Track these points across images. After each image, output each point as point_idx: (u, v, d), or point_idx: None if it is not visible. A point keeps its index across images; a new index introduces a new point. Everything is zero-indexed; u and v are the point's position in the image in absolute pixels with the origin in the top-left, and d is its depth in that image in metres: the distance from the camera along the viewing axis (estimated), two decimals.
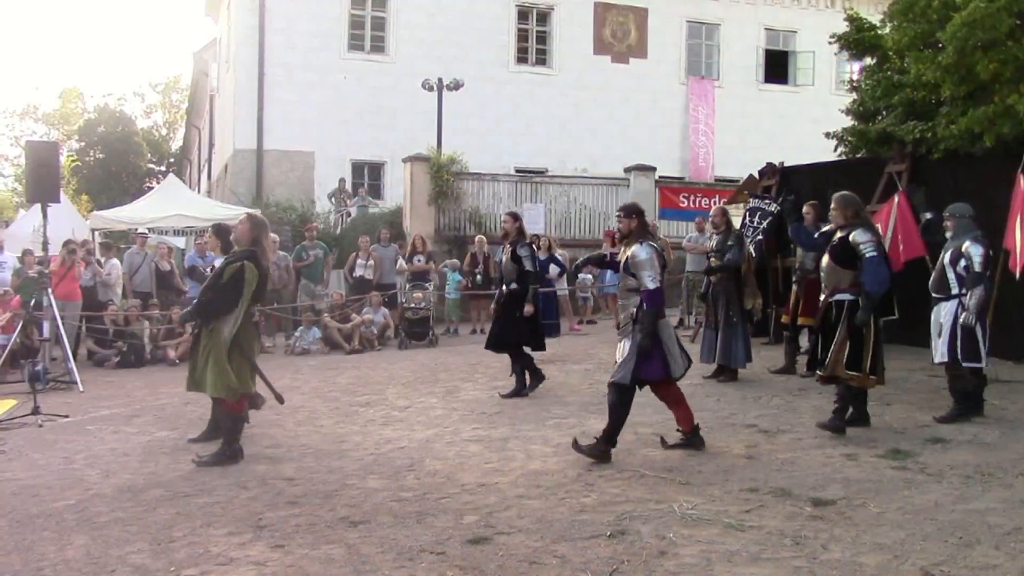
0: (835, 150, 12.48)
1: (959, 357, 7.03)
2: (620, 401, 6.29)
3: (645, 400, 8.24)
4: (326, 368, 11.65)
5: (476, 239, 16.48)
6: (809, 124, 23.99)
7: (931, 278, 7.34)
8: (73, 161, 46.94)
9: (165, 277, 14.43)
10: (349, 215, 21.10)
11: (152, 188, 34.61)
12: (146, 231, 16.25)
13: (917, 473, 5.63)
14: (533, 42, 25.60)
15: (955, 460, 5.88)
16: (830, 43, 13.30)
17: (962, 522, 4.68)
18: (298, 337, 13.76)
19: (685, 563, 4.26)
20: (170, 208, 17.67)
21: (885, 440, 6.49)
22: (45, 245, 10.94)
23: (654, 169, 19.97)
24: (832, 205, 7.00)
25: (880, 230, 9.01)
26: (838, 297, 6.76)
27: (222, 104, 27.76)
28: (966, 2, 9.02)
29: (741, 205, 12.71)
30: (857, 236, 6.68)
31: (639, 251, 6.34)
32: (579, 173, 22.15)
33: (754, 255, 11.57)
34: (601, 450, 6.20)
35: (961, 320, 6.92)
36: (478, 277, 15.85)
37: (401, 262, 15.38)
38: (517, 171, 22.16)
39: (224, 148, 26.51)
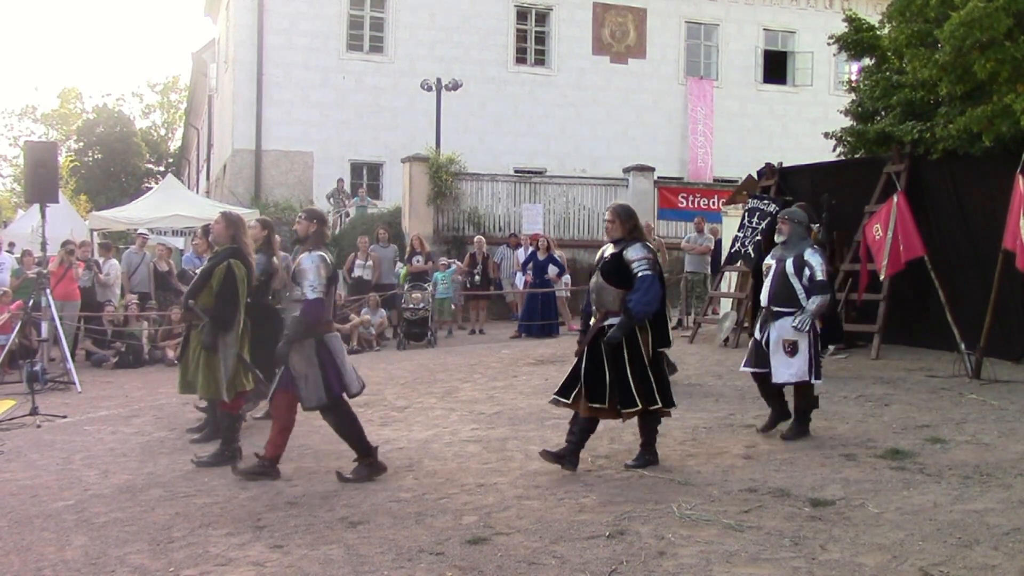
0: (834, 150, 12.49)
1: (813, 373, 6.60)
2: (339, 418, 6.05)
3: None
4: None
5: (475, 239, 16.48)
6: (808, 124, 24.08)
7: (767, 290, 6.82)
8: (72, 161, 46.92)
9: (163, 277, 14.43)
10: (348, 215, 21.11)
11: (151, 188, 34.57)
12: (145, 231, 16.25)
13: (916, 473, 5.62)
14: (532, 42, 25.60)
15: (954, 460, 5.88)
16: (829, 44, 13.30)
17: (961, 522, 4.68)
18: None
19: (684, 563, 4.25)
20: (169, 208, 17.68)
21: (884, 440, 6.48)
22: (44, 245, 10.93)
23: (653, 169, 20.00)
24: (607, 216, 6.28)
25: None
26: (611, 321, 5.93)
27: (221, 104, 27.75)
28: (964, 1, 9.02)
29: (740, 205, 12.72)
30: (630, 253, 5.99)
31: (306, 260, 5.99)
32: (578, 173, 22.15)
33: (752, 255, 11.60)
34: (367, 467, 6.00)
35: (795, 323, 6.51)
36: (477, 277, 15.86)
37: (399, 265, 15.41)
38: (516, 171, 22.18)
39: (223, 148, 26.49)
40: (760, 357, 6.80)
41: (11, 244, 15.27)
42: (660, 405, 5.94)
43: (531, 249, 15.59)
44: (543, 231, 17.39)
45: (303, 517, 5.21)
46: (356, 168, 24.05)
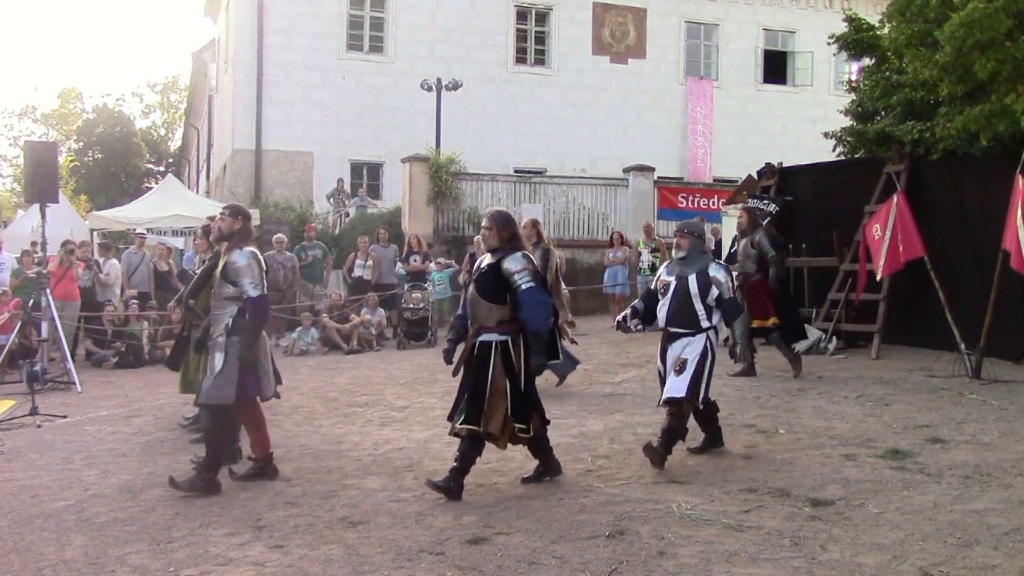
0: (834, 150, 12.49)
1: (699, 393, 6.05)
2: (220, 424, 5.84)
3: (644, 400, 8.27)
4: (324, 368, 11.64)
5: (475, 239, 16.45)
6: (808, 124, 24.05)
7: (665, 309, 6.21)
8: (72, 161, 46.94)
9: (163, 277, 14.43)
10: (348, 215, 21.10)
11: (151, 188, 34.59)
12: (145, 231, 16.26)
13: (916, 473, 5.63)
14: (532, 42, 25.59)
15: (954, 460, 5.88)
16: (829, 43, 13.31)
17: (961, 522, 4.68)
18: (295, 340, 13.75)
19: (684, 563, 4.25)
20: (169, 208, 17.69)
21: (884, 440, 6.48)
22: (44, 245, 10.94)
23: (653, 169, 19.97)
24: (484, 223, 5.82)
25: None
26: (484, 338, 5.56)
27: (221, 104, 27.74)
28: (964, 2, 9.02)
29: (740, 205, 12.73)
30: (509, 264, 5.54)
31: (239, 257, 5.86)
32: (578, 173, 22.14)
33: None
34: (205, 481, 5.77)
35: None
36: None
37: (400, 265, 15.40)
38: (516, 171, 22.15)
39: (223, 148, 26.48)
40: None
41: None
42: (521, 425, 5.53)
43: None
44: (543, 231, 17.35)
45: (303, 517, 5.22)
46: (356, 168, 24.03)
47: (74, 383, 10.52)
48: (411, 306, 14.20)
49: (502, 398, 5.49)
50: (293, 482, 6.00)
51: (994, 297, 8.60)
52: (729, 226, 13.21)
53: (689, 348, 6.07)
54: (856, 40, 12.49)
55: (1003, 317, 8.92)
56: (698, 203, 19.49)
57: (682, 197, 19.77)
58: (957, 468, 5.69)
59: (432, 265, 15.47)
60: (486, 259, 5.73)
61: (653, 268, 15.78)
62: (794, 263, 11.63)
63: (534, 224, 9.12)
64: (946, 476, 5.54)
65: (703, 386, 6.07)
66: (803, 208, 11.98)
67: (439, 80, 21.48)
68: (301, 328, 13.86)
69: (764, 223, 10.22)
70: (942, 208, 10.27)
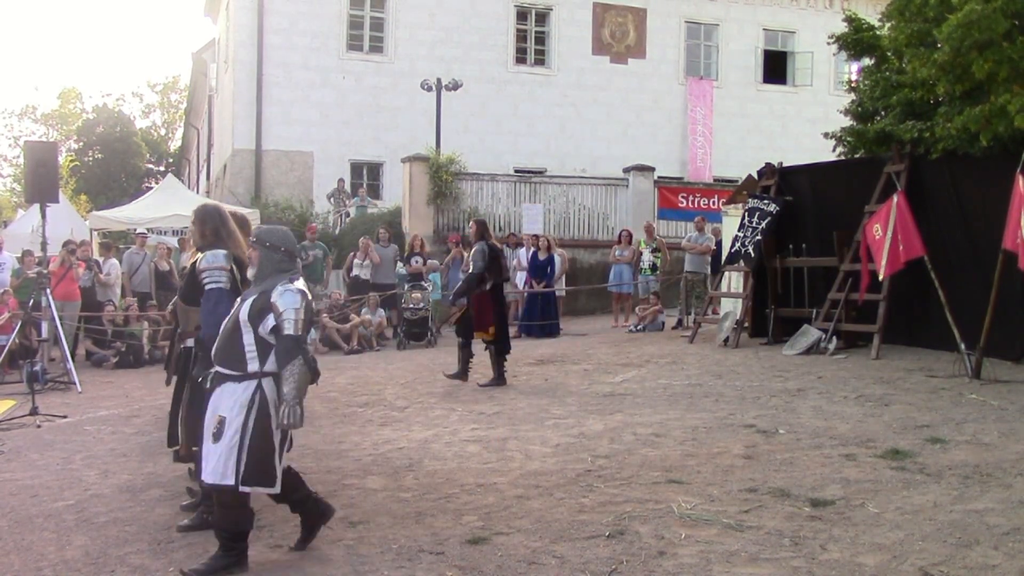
0: (834, 150, 12.48)
1: (239, 476, 4.28)
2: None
3: (643, 400, 8.28)
4: (325, 368, 11.51)
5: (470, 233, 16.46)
6: (807, 124, 24.06)
7: (216, 347, 4.53)
8: (72, 161, 46.97)
9: (164, 277, 14.44)
10: (348, 215, 21.11)
11: (151, 188, 34.58)
12: (145, 231, 16.26)
13: (916, 473, 5.62)
14: (532, 42, 25.60)
15: (954, 460, 5.88)
16: (829, 43, 13.30)
17: (961, 522, 4.68)
18: None
19: (684, 563, 4.26)
20: (169, 208, 17.69)
21: (884, 440, 6.48)
22: (44, 245, 10.94)
23: (653, 169, 19.98)
24: (192, 219, 5.26)
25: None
26: (188, 343, 5.02)
27: (221, 104, 27.75)
28: (962, 2, 9.02)
29: (740, 205, 12.73)
30: (202, 262, 4.96)
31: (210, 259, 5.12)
32: (578, 173, 22.15)
33: (753, 255, 11.61)
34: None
35: (283, 417, 4.25)
36: None
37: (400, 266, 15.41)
38: (516, 171, 22.16)
39: (223, 148, 26.49)
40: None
41: None
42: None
43: (532, 250, 15.59)
44: (543, 231, 17.38)
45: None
46: (356, 168, 24.04)
47: (74, 383, 10.52)
48: (411, 306, 14.21)
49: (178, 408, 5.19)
50: None
51: (994, 297, 8.59)
52: (730, 226, 13.20)
53: (230, 401, 4.36)
54: (856, 40, 12.48)
55: (1003, 317, 8.91)
56: (698, 203, 19.49)
57: (682, 197, 19.77)
58: (957, 468, 5.69)
59: (432, 263, 15.50)
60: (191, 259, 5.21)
61: (654, 268, 15.81)
62: (794, 263, 11.64)
63: (475, 223, 10.00)
64: (946, 476, 5.53)
65: (256, 463, 4.30)
66: (803, 208, 11.97)
67: (439, 80, 21.50)
68: None
69: (485, 240, 9.94)
70: (942, 208, 10.26)
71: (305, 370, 4.30)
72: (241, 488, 4.29)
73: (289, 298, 4.38)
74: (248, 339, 4.38)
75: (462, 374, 9.83)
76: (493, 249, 9.79)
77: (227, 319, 4.52)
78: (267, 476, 4.34)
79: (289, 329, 4.32)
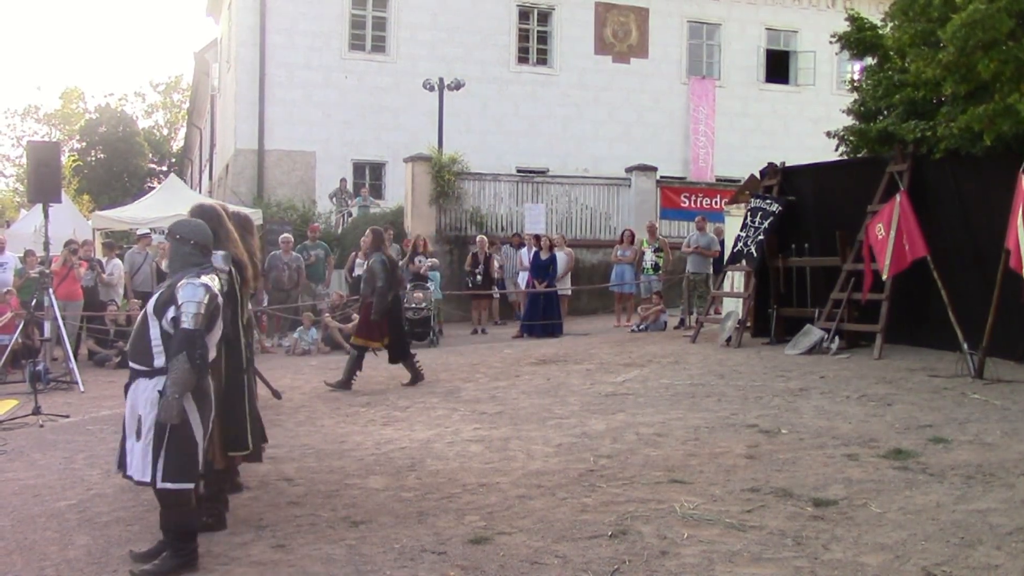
0: (836, 150, 12.46)
1: (156, 474, 4.29)
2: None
3: (645, 399, 8.27)
4: (326, 368, 11.63)
5: (477, 239, 16.48)
6: (810, 124, 24.03)
7: (130, 341, 4.66)
8: (74, 161, 47.03)
9: (165, 277, 14.41)
10: (350, 215, 21.12)
11: (153, 188, 34.63)
12: (148, 231, 16.27)
13: (918, 473, 5.62)
14: (534, 42, 25.60)
15: (957, 460, 5.87)
16: (831, 43, 13.27)
17: (964, 522, 4.67)
18: (297, 339, 13.76)
19: (686, 563, 4.25)
20: (171, 208, 17.63)
21: (886, 440, 6.47)
22: (47, 245, 10.94)
23: (655, 169, 19.98)
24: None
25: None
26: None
27: (223, 104, 27.76)
28: (966, 2, 9.01)
29: (742, 205, 12.72)
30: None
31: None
32: (580, 173, 22.15)
33: (755, 255, 11.60)
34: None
35: (159, 410, 4.23)
36: (478, 277, 15.86)
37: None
38: (518, 171, 22.18)
39: (225, 148, 26.52)
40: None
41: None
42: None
43: (534, 249, 15.59)
44: (545, 231, 17.38)
45: (305, 516, 5.22)
46: (359, 168, 24.05)
47: (76, 383, 10.52)
48: (413, 306, 14.20)
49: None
50: (295, 482, 6.01)
51: (997, 296, 8.58)
52: (732, 226, 13.19)
53: (142, 398, 4.36)
54: (858, 39, 12.46)
55: (1006, 317, 8.89)
56: (700, 203, 19.49)
57: (684, 197, 19.77)
58: (960, 468, 5.68)
59: (434, 261, 15.50)
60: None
61: (656, 268, 15.80)
62: (796, 263, 11.63)
63: (371, 232, 10.36)
64: (949, 476, 5.53)
65: (175, 459, 4.27)
66: (805, 208, 11.95)
67: (441, 80, 21.50)
68: (303, 328, 13.86)
69: (382, 251, 10.22)
70: (945, 207, 10.24)
71: (187, 366, 4.22)
72: (159, 485, 4.30)
73: (190, 291, 4.35)
74: (154, 332, 4.38)
75: (346, 384, 9.82)
76: (391, 259, 10.17)
77: (142, 316, 4.53)
78: (186, 472, 4.34)
79: (187, 322, 4.28)
